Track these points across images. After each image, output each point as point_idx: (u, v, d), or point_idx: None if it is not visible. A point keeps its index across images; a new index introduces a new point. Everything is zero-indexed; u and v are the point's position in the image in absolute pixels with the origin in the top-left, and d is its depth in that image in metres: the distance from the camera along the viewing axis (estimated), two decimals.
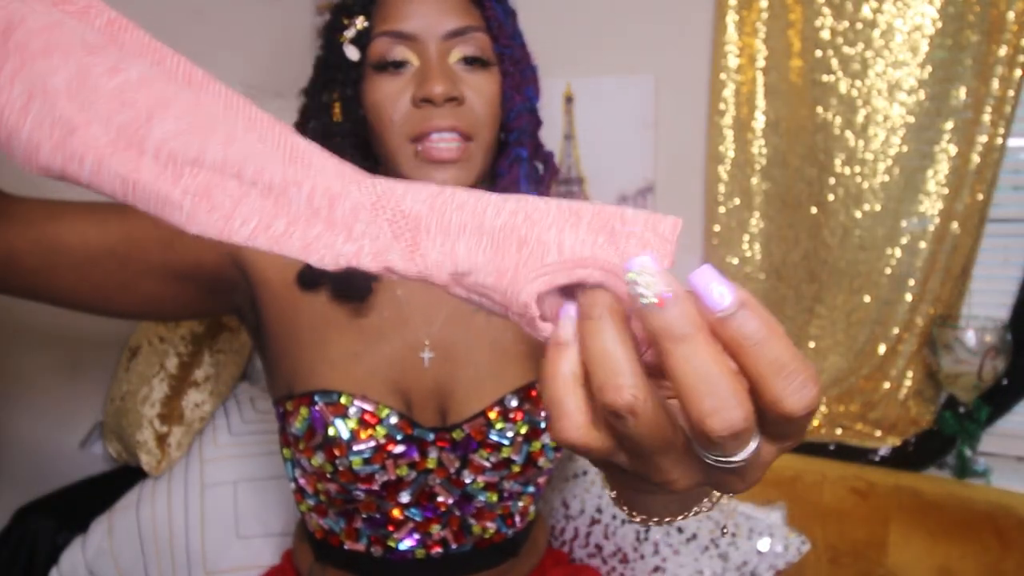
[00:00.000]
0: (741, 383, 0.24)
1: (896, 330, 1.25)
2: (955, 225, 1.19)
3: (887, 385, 1.28)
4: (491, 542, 0.80)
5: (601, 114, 1.44)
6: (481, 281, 0.28)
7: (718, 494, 0.43)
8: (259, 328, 0.79)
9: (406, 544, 0.77)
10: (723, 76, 1.30)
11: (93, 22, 0.29)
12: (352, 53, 0.72)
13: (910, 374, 1.26)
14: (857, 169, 1.24)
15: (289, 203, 0.29)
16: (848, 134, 1.24)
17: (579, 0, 1.44)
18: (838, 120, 1.24)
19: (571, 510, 1.15)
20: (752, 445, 0.26)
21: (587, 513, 1.13)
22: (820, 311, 1.30)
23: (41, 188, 0.78)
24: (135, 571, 1.07)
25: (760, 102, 1.29)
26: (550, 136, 1.05)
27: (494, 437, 0.75)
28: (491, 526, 0.79)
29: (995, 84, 1.13)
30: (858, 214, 1.25)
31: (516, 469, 0.76)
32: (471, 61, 0.72)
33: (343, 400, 0.72)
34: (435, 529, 0.77)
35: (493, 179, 0.79)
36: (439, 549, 0.78)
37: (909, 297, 1.24)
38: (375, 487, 0.73)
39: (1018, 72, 1.12)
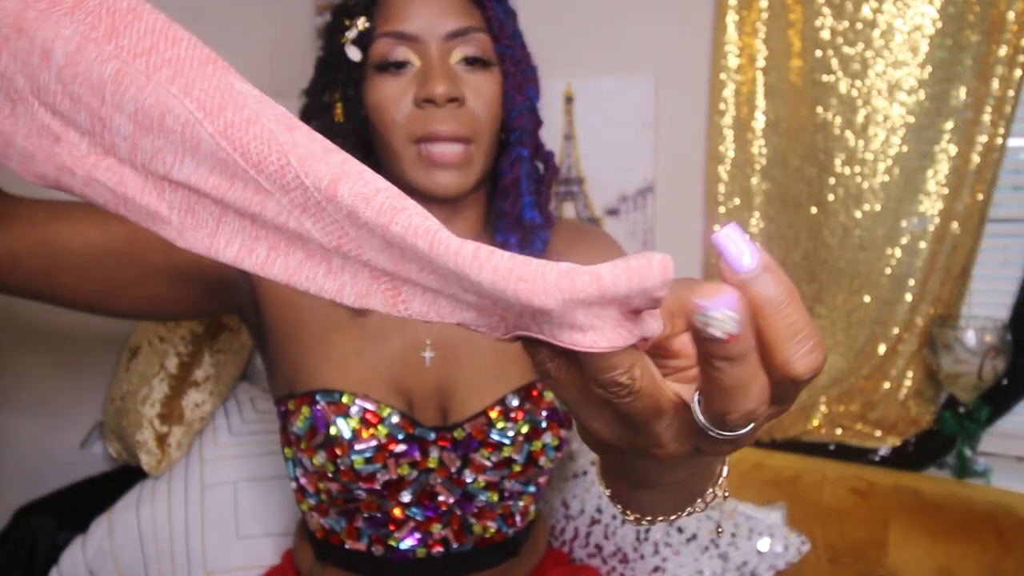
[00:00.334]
0: (763, 379, 0.26)
1: (896, 330, 1.25)
2: (955, 225, 1.19)
3: (887, 385, 1.28)
4: (492, 541, 0.80)
5: (601, 114, 1.44)
6: (473, 327, 0.27)
7: (711, 494, 0.43)
8: (261, 328, 0.79)
9: (407, 543, 0.77)
10: (723, 76, 1.30)
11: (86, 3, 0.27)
12: (354, 54, 0.72)
13: (910, 374, 1.26)
14: (857, 169, 1.24)
15: (264, 226, 0.27)
16: (848, 134, 1.24)
17: (579, 0, 1.44)
18: (838, 120, 1.24)
19: (571, 510, 1.15)
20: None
21: (587, 513, 1.13)
22: (820, 311, 1.30)
23: (42, 189, 0.78)
24: (135, 571, 1.07)
25: (760, 102, 1.29)
26: (550, 136, 1.05)
27: (495, 436, 0.75)
28: (492, 525, 0.79)
29: (995, 84, 1.13)
30: (858, 214, 1.25)
31: (517, 468, 0.76)
32: (472, 61, 0.72)
33: (345, 399, 0.72)
34: (436, 528, 0.77)
35: (495, 179, 0.79)
36: (440, 548, 0.78)
37: (909, 297, 1.24)
38: (376, 486, 0.73)
39: (1018, 72, 1.12)
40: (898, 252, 1.24)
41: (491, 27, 0.74)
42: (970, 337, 1.15)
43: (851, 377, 1.29)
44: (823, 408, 1.31)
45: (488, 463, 0.75)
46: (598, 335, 0.24)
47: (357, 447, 0.71)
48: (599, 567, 1.10)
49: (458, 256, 0.23)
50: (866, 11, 1.20)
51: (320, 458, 0.72)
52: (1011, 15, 1.10)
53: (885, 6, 1.19)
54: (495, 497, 0.78)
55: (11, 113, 0.28)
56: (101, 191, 0.27)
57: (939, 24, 1.17)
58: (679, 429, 0.28)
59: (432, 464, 0.75)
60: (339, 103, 0.74)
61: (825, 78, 1.24)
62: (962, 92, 1.17)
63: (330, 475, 0.73)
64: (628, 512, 0.44)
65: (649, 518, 0.44)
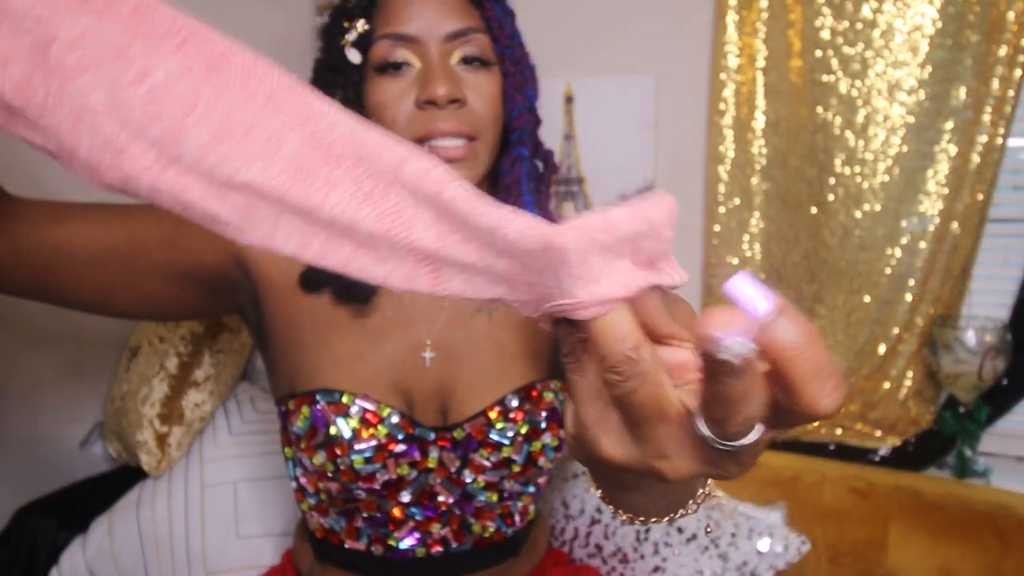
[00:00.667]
0: (762, 386, 0.26)
1: (896, 330, 1.25)
2: (955, 225, 1.19)
3: (887, 385, 1.28)
4: (491, 541, 0.80)
5: (601, 114, 1.44)
6: (508, 301, 0.30)
7: (702, 493, 0.44)
8: (261, 327, 0.79)
9: (406, 543, 0.77)
10: (723, 76, 1.30)
11: (120, 10, 0.29)
12: (354, 56, 0.72)
13: (910, 374, 1.26)
14: (857, 169, 1.24)
15: (316, 222, 0.29)
16: (848, 134, 1.24)
17: (579, 0, 1.44)
18: (838, 120, 1.24)
19: (571, 510, 1.15)
20: (757, 432, 0.27)
21: (587, 513, 1.13)
22: (820, 311, 1.30)
23: (44, 190, 0.79)
24: (135, 571, 1.07)
25: (760, 102, 1.29)
26: (550, 136, 1.06)
27: (494, 437, 0.75)
28: (491, 525, 0.79)
29: (995, 84, 1.13)
30: (858, 214, 1.25)
31: (516, 469, 0.76)
32: (472, 61, 0.72)
33: (345, 399, 0.72)
34: (435, 528, 0.77)
35: (495, 177, 0.79)
36: (439, 548, 0.78)
37: (909, 297, 1.24)
38: (376, 486, 0.73)
39: (1018, 72, 1.12)
40: (898, 252, 1.24)
41: (490, 27, 0.74)
42: (970, 337, 1.15)
43: (851, 377, 1.29)
44: None
45: (487, 463, 0.75)
46: (613, 283, 0.26)
47: (357, 447, 0.71)
48: (599, 567, 1.10)
49: (493, 213, 0.27)
50: (866, 11, 1.20)
51: (320, 458, 0.72)
52: (1011, 15, 1.10)
53: (885, 6, 1.19)
54: (494, 497, 0.78)
55: (74, 127, 0.29)
56: (167, 199, 0.30)
57: (939, 24, 1.17)
58: (682, 440, 0.28)
59: (432, 464, 0.75)
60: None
61: (825, 78, 1.24)
62: (962, 92, 1.17)
63: (330, 475, 0.73)
64: (621, 512, 0.44)
65: (642, 518, 0.44)
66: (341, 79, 0.73)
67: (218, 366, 1.20)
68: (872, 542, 1.12)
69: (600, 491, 0.44)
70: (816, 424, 1.31)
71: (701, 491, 0.44)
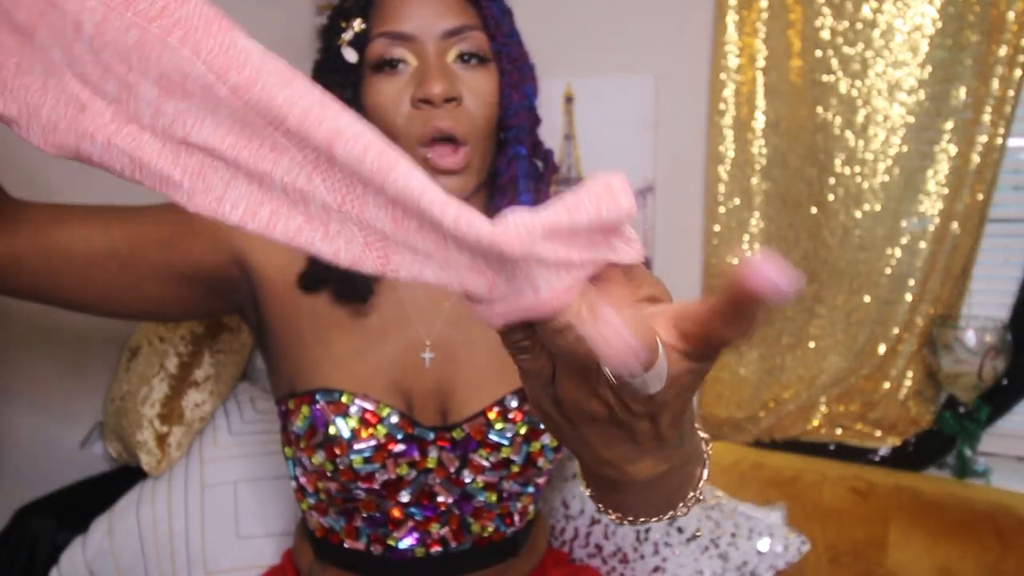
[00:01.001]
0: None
1: (896, 330, 1.25)
2: (955, 225, 1.19)
3: (887, 385, 1.27)
4: (490, 541, 0.80)
5: (601, 114, 1.44)
6: (470, 293, 0.29)
7: (692, 498, 0.44)
8: (261, 327, 0.79)
9: (406, 543, 0.77)
10: (723, 76, 1.30)
11: None
12: (350, 55, 0.72)
13: (910, 374, 1.26)
14: (857, 169, 1.24)
15: (270, 189, 0.29)
16: (848, 134, 1.24)
17: (579, 0, 1.44)
18: (838, 120, 1.24)
19: (571, 510, 1.15)
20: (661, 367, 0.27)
21: (587, 513, 1.13)
22: (820, 311, 1.30)
23: (44, 191, 0.79)
24: (135, 571, 1.07)
25: (760, 102, 1.29)
26: (550, 136, 1.05)
27: (494, 437, 0.75)
28: (490, 525, 0.79)
29: (995, 84, 1.13)
30: (858, 214, 1.25)
31: (515, 469, 0.76)
32: (468, 58, 0.72)
33: (344, 399, 0.73)
34: (434, 528, 0.77)
35: (492, 177, 0.79)
36: (438, 548, 0.78)
37: (909, 297, 1.24)
38: (375, 486, 0.73)
39: (1018, 72, 1.12)
40: (898, 252, 1.24)
41: (487, 25, 0.74)
42: (970, 337, 1.15)
43: (851, 377, 1.29)
44: (823, 408, 1.31)
45: (487, 463, 0.75)
46: (564, 279, 0.26)
47: (356, 447, 0.71)
48: (599, 567, 1.10)
49: (436, 200, 0.26)
50: (866, 11, 1.20)
51: (319, 457, 0.72)
52: (1011, 15, 1.10)
53: (885, 6, 1.19)
54: (493, 497, 0.78)
55: (43, 86, 0.30)
56: (119, 157, 0.29)
57: (939, 24, 1.17)
58: (614, 433, 0.31)
59: (431, 464, 0.75)
60: None
61: (825, 78, 1.24)
62: (962, 92, 1.16)
63: (329, 474, 0.73)
64: (610, 511, 0.45)
65: (631, 518, 0.45)
66: (339, 79, 0.73)
67: (218, 366, 1.20)
68: (872, 542, 1.12)
69: (590, 490, 0.44)
70: (816, 424, 1.31)
71: (692, 494, 0.44)
